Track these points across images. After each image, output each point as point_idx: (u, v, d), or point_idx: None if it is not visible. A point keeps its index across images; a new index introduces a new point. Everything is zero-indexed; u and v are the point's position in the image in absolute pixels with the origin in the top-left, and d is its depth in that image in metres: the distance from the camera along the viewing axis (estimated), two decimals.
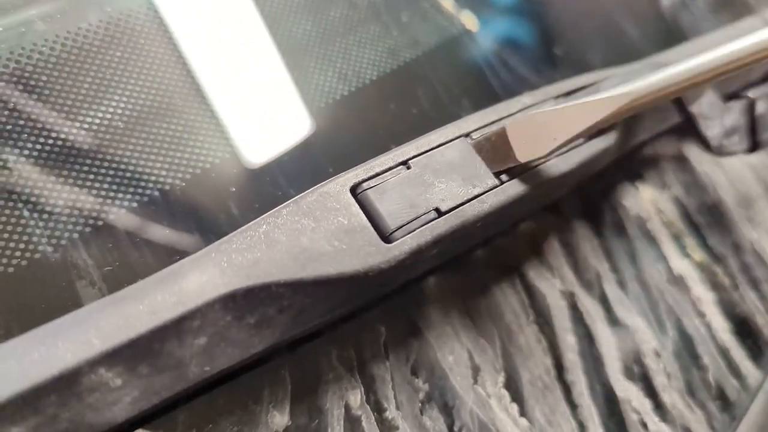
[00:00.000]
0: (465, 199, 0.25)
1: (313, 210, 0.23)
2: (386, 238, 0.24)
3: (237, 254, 0.21)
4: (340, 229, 0.23)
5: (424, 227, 0.24)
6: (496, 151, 0.26)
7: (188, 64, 0.31)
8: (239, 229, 0.22)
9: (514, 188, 0.27)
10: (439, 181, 0.25)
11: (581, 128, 0.24)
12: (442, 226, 0.25)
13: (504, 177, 0.27)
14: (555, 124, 0.25)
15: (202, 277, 0.21)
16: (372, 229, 0.24)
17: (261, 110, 0.32)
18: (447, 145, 0.26)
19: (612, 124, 0.31)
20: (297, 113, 0.32)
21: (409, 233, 0.24)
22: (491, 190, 0.26)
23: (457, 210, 0.25)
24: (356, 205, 0.24)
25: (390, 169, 0.25)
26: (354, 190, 0.24)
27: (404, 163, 0.25)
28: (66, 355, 0.18)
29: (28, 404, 0.18)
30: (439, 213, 0.25)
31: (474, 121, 0.27)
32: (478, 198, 0.26)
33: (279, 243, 0.22)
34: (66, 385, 0.18)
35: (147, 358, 0.20)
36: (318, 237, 0.23)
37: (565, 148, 0.29)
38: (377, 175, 0.25)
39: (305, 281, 0.22)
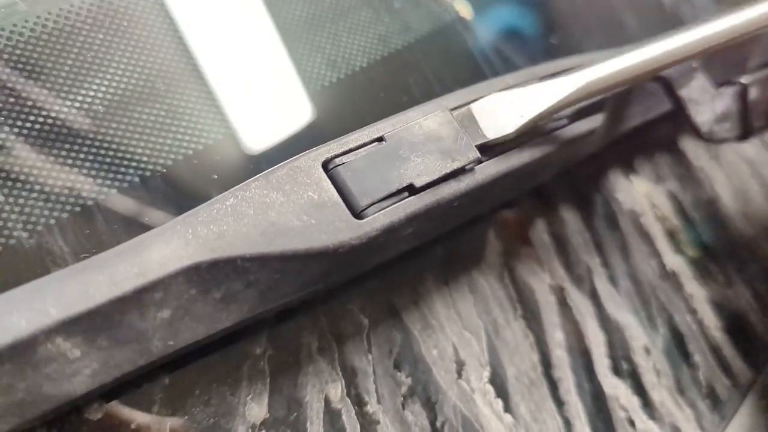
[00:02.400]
0: (442, 174, 0.24)
1: (283, 184, 0.22)
2: (358, 214, 0.23)
3: (202, 227, 0.21)
4: (310, 204, 0.22)
5: (397, 205, 0.23)
6: (468, 126, 0.25)
7: (178, 45, 0.30)
8: (206, 202, 0.22)
9: (493, 167, 0.26)
10: (415, 155, 0.24)
11: (547, 106, 0.24)
12: (417, 203, 0.24)
13: (483, 155, 0.26)
14: (520, 102, 0.24)
15: (165, 249, 0.20)
16: (343, 205, 0.23)
17: (249, 95, 0.31)
18: (427, 117, 0.25)
19: (598, 106, 0.30)
20: (283, 100, 0.32)
21: (381, 210, 0.23)
22: (471, 164, 0.25)
23: (433, 187, 0.24)
24: (327, 180, 0.23)
25: (365, 145, 0.24)
26: (326, 165, 0.23)
27: (380, 138, 0.24)
28: (21, 323, 0.18)
29: None
30: (414, 190, 0.24)
31: (455, 99, 0.27)
32: (456, 176, 0.25)
33: (246, 216, 0.21)
34: (21, 354, 0.18)
35: (107, 330, 0.19)
36: (287, 211, 0.22)
37: (546, 128, 0.28)
38: (351, 150, 0.24)
39: (272, 256, 0.21)
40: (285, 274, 0.22)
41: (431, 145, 0.24)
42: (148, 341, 0.20)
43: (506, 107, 0.24)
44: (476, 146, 0.25)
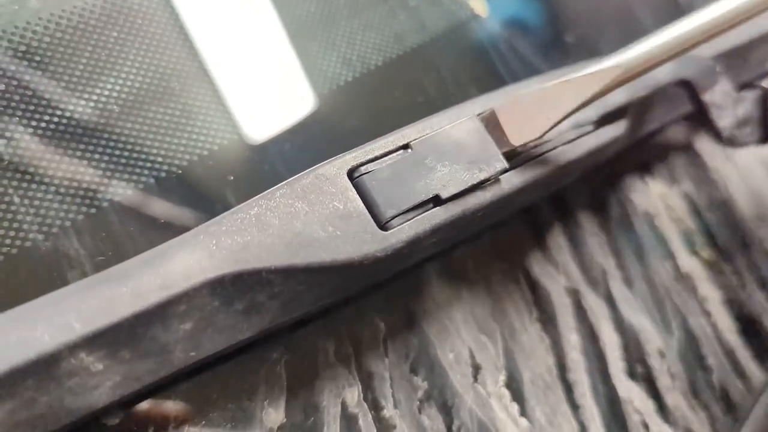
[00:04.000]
0: (468, 185, 0.24)
1: (308, 193, 0.22)
2: (383, 225, 0.23)
3: (226, 237, 0.20)
4: (335, 215, 0.22)
5: (422, 215, 0.23)
6: (493, 132, 0.25)
7: (188, 44, 0.30)
8: (229, 211, 0.21)
9: (519, 176, 0.25)
10: (441, 164, 0.24)
11: (573, 105, 0.23)
12: (442, 215, 0.23)
13: (509, 164, 0.25)
14: (545, 103, 0.24)
15: (189, 260, 0.20)
16: (368, 216, 0.22)
17: (263, 95, 0.31)
18: (454, 124, 0.24)
19: (622, 112, 0.30)
20: (299, 99, 0.31)
21: (407, 221, 0.23)
22: (499, 174, 0.24)
23: (458, 197, 0.24)
24: (353, 189, 0.23)
25: (391, 152, 0.24)
26: (351, 174, 0.23)
27: (406, 146, 0.24)
28: (44, 338, 0.18)
29: (4, 387, 0.17)
30: (440, 201, 0.23)
31: (481, 104, 0.26)
32: (481, 186, 0.24)
33: (271, 227, 0.21)
34: (44, 368, 0.18)
35: (130, 343, 0.19)
36: (312, 222, 0.21)
37: (572, 136, 0.28)
38: (376, 158, 0.23)
39: (297, 268, 0.21)
40: (309, 285, 0.22)
41: (458, 154, 0.24)
42: (170, 353, 0.20)
43: (532, 109, 0.24)
44: (503, 153, 0.25)
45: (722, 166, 0.39)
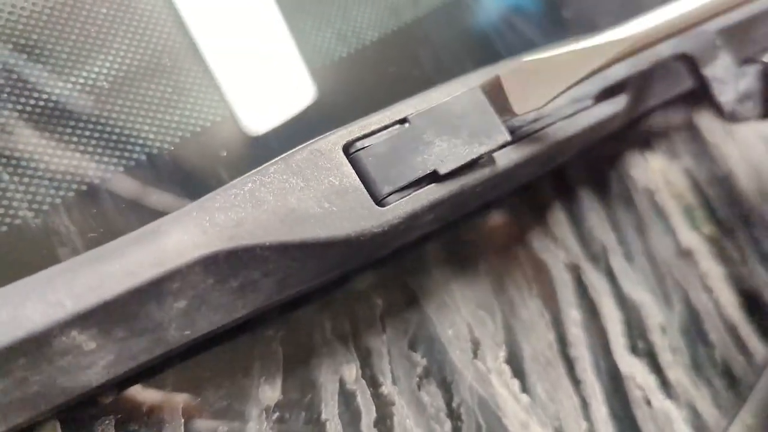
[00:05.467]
0: (467, 159, 0.23)
1: (303, 168, 0.21)
2: (379, 201, 0.22)
3: (220, 213, 0.20)
4: (331, 190, 0.21)
5: (420, 191, 0.23)
6: (496, 100, 0.24)
7: (177, 19, 0.29)
8: (223, 187, 0.21)
9: (517, 152, 0.25)
10: (440, 139, 0.23)
11: (581, 74, 0.23)
12: (440, 191, 0.23)
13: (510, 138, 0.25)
14: (552, 71, 0.23)
15: (182, 237, 0.19)
16: (365, 192, 0.22)
17: (255, 71, 0.30)
18: (453, 97, 0.23)
19: (622, 87, 0.29)
20: (292, 74, 0.31)
21: (404, 197, 0.22)
22: (501, 147, 0.23)
23: (456, 174, 0.23)
24: (348, 165, 0.22)
25: (387, 127, 0.23)
26: (347, 149, 0.22)
27: (403, 120, 0.23)
28: (35, 316, 0.17)
29: None
30: (437, 176, 0.23)
31: (479, 77, 0.26)
32: (480, 161, 0.24)
33: (265, 203, 0.21)
34: (35, 347, 0.17)
35: (123, 321, 0.19)
36: (307, 198, 0.21)
37: (570, 111, 0.27)
38: (373, 133, 0.23)
39: (292, 244, 0.20)
40: (304, 262, 0.21)
41: (457, 127, 0.23)
42: (164, 331, 0.20)
43: (538, 76, 0.23)
44: (506, 125, 0.24)
45: (723, 142, 0.38)
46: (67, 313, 0.18)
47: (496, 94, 0.24)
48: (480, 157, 0.23)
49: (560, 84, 0.23)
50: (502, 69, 0.25)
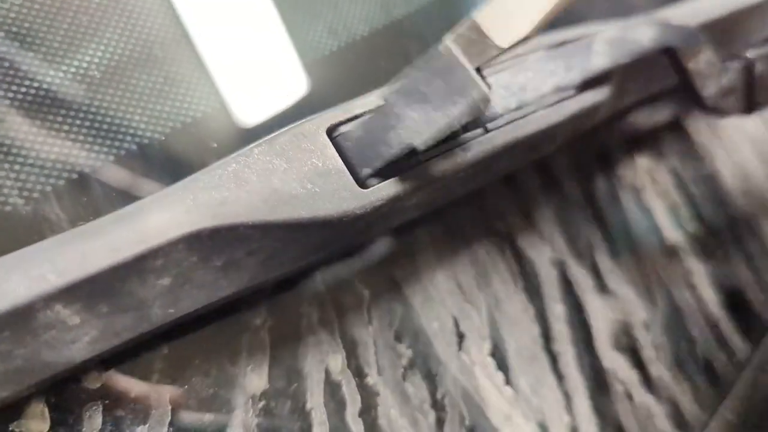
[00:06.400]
0: (441, 124, 0.22)
1: (286, 150, 0.22)
2: (362, 183, 0.22)
3: (204, 192, 0.20)
4: (314, 172, 0.22)
5: (402, 174, 0.23)
6: (473, 46, 0.22)
7: (176, 10, 0.29)
8: (207, 167, 0.21)
9: (500, 137, 0.25)
10: (410, 109, 0.22)
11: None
12: (422, 174, 0.23)
13: (490, 125, 0.25)
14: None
15: (165, 215, 0.20)
16: (348, 174, 0.22)
17: (246, 63, 0.30)
18: (423, 66, 0.22)
19: (605, 78, 0.29)
20: (284, 67, 0.31)
21: (387, 179, 0.23)
22: (477, 103, 0.22)
23: (436, 150, 0.23)
24: (332, 147, 0.22)
25: (369, 111, 0.23)
26: (331, 132, 0.23)
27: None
28: (19, 290, 0.17)
29: None
30: (415, 151, 0.22)
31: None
32: (461, 144, 0.24)
33: (249, 183, 0.21)
34: (20, 320, 0.18)
35: (107, 297, 0.19)
36: (290, 179, 0.21)
37: (553, 99, 0.27)
38: (356, 117, 0.23)
39: (275, 224, 0.21)
40: (287, 242, 0.22)
41: (427, 93, 0.22)
42: (149, 309, 0.20)
43: (513, 7, 0.22)
44: (486, 68, 0.22)
45: (709, 142, 0.39)
46: (51, 287, 0.18)
47: (472, 39, 0.22)
48: (456, 133, 0.23)
49: (543, 6, 0.21)
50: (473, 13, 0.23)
